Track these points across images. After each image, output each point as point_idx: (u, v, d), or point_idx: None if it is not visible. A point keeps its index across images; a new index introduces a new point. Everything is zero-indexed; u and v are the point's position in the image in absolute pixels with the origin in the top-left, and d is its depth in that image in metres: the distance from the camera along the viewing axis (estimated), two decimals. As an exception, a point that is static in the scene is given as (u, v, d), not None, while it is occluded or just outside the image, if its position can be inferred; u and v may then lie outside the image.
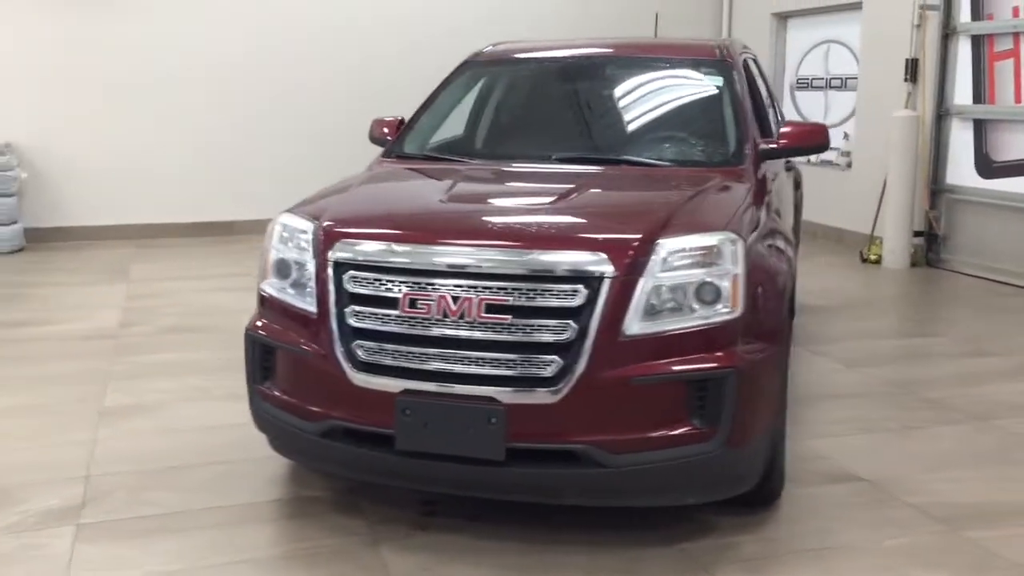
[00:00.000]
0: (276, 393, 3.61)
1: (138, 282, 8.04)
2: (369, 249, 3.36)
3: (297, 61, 10.35)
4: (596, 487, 3.28)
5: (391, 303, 3.29)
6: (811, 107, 10.68)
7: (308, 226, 3.57)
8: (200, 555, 3.44)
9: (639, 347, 3.19)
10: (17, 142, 9.59)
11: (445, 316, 3.21)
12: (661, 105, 4.75)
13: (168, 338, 6.34)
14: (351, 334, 3.34)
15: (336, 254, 3.40)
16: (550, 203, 3.65)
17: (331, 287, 3.39)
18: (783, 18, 10.96)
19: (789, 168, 5.23)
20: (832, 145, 10.14)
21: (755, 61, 6.00)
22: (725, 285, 3.26)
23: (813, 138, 4.39)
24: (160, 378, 5.45)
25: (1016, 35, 8.00)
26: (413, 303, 3.25)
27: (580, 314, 3.16)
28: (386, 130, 4.91)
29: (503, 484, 3.30)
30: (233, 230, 10.26)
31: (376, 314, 3.31)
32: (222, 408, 4.84)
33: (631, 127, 4.69)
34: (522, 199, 3.91)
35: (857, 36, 9.75)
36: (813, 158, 10.45)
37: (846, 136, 10.10)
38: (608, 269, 3.17)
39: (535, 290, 3.17)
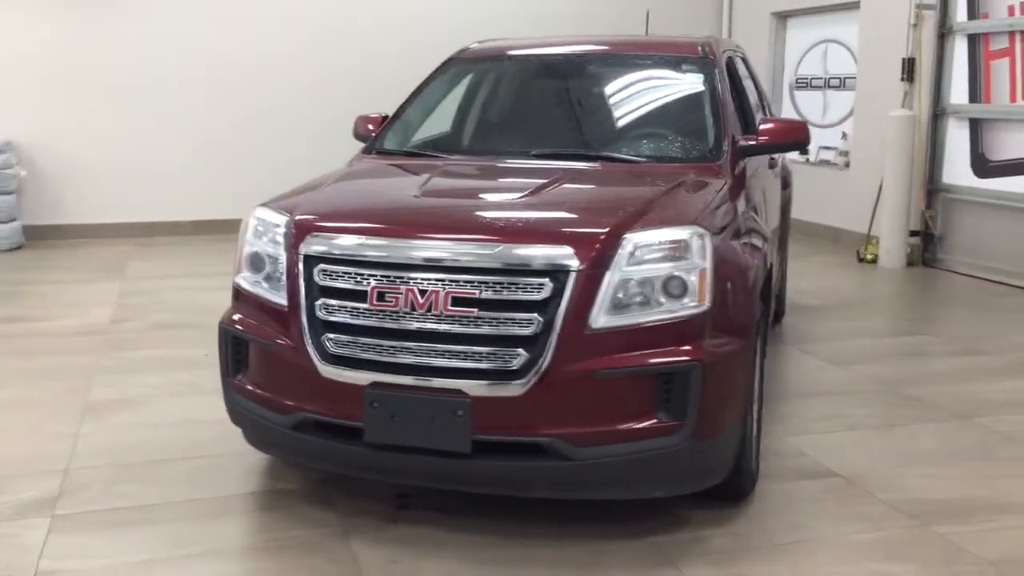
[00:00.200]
0: (249, 386, 3.63)
1: (133, 280, 8.09)
2: (338, 243, 3.39)
3: (297, 61, 10.39)
4: (563, 480, 3.29)
5: (360, 296, 3.31)
6: (810, 106, 10.66)
7: (281, 220, 3.59)
8: (169, 546, 3.47)
9: (605, 340, 3.20)
10: (17, 140, 9.65)
11: (412, 309, 3.23)
12: (641, 102, 4.76)
13: (158, 334, 6.38)
14: (321, 327, 3.37)
15: (306, 247, 3.43)
16: (521, 198, 3.66)
17: (301, 280, 3.41)
18: (783, 17, 10.95)
19: (773, 165, 5.21)
20: (830, 145, 10.18)
21: (744, 59, 6.00)
22: (692, 279, 3.27)
23: (793, 135, 4.39)
24: (147, 373, 5.48)
25: (1012, 34, 7.97)
26: (381, 296, 3.27)
27: (546, 307, 3.17)
28: (371, 127, 4.93)
29: (470, 476, 3.31)
30: (232, 229, 10.17)
31: (345, 307, 3.33)
32: (206, 403, 4.86)
33: (611, 124, 4.71)
34: (494, 194, 3.93)
35: (855, 36, 9.73)
36: (811, 157, 10.47)
37: (844, 136, 10.08)
38: (574, 263, 3.18)
39: (501, 283, 3.19)
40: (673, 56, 4.80)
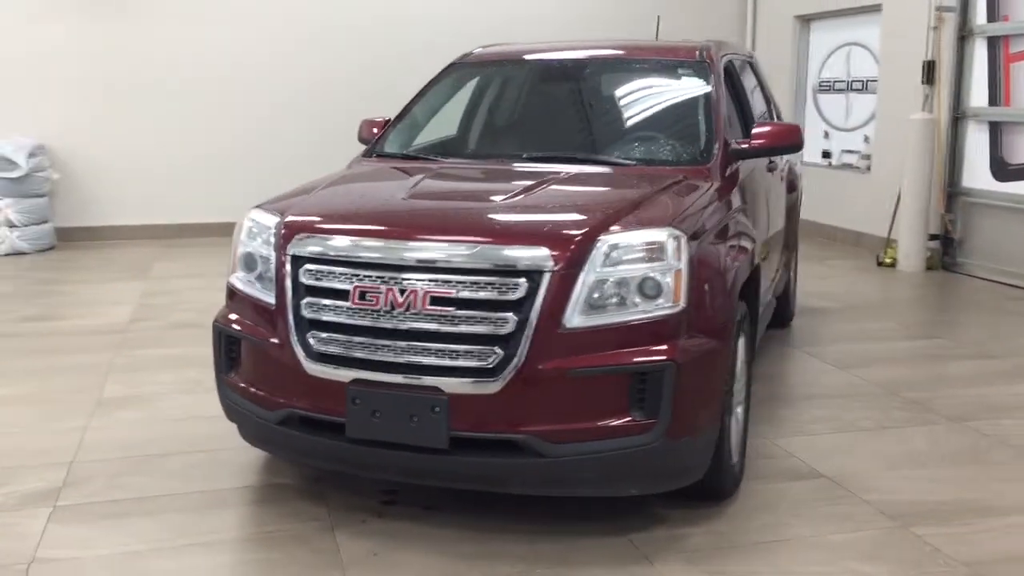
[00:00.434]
0: (241, 383, 3.74)
1: (156, 280, 8.28)
2: (322, 243, 3.49)
3: (323, 62, 10.55)
4: (538, 476, 3.36)
5: (343, 295, 3.41)
6: (833, 110, 10.64)
7: (272, 221, 3.70)
8: (164, 537, 3.59)
9: (579, 340, 3.27)
10: (50, 144, 9.91)
11: (392, 308, 3.32)
12: (636, 106, 4.82)
13: (175, 333, 6.53)
14: (306, 325, 3.47)
15: (293, 248, 3.53)
16: (504, 200, 3.74)
17: (289, 280, 3.52)
18: (806, 21, 10.92)
19: (772, 168, 5.24)
20: (853, 148, 10.15)
21: (751, 65, 6.04)
22: (667, 280, 3.32)
23: (785, 138, 4.42)
24: (160, 371, 5.63)
25: (1032, 36, 7.92)
26: (363, 295, 3.37)
27: (521, 307, 3.25)
28: (375, 130, 5.04)
29: (448, 472, 3.40)
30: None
31: (329, 306, 3.43)
32: (212, 400, 4.87)
33: (605, 127, 4.78)
34: (479, 196, 4.01)
35: (877, 39, 9.69)
36: (834, 160, 10.45)
37: (867, 139, 10.04)
38: (548, 263, 3.25)
39: (477, 283, 3.27)
40: (670, 61, 4.86)
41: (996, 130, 8.34)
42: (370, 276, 3.37)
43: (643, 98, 4.86)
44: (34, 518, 3.71)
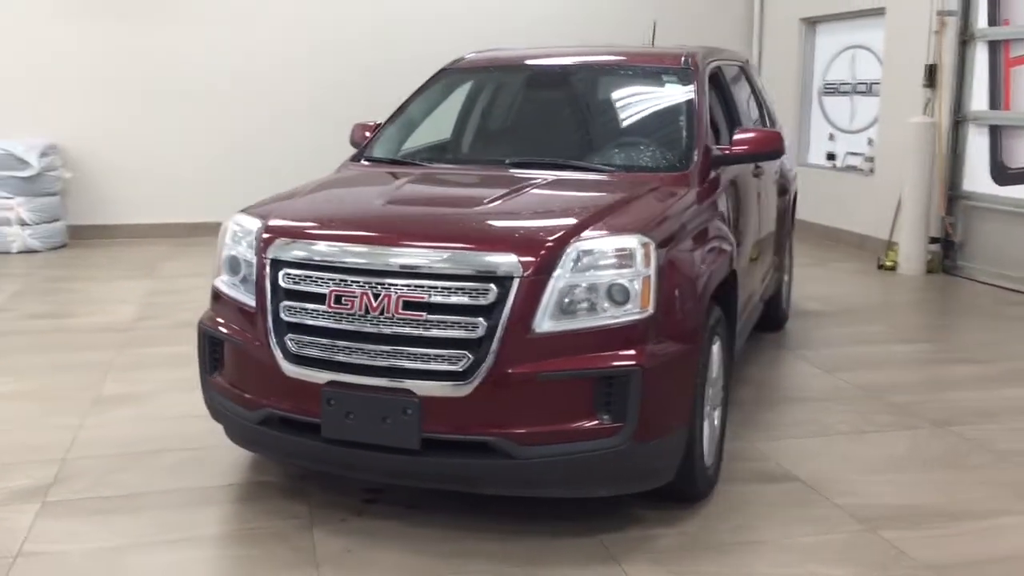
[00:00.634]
0: (224, 384, 3.84)
1: (164, 279, 8.41)
2: (300, 248, 3.58)
3: (334, 64, 10.63)
4: (508, 477, 3.44)
5: (319, 299, 3.50)
6: (838, 112, 10.65)
7: (255, 225, 3.80)
8: (147, 532, 3.69)
9: (548, 344, 3.34)
10: (63, 143, 10.08)
11: (367, 312, 3.41)
12: (618, 112, 4.89)
13: (178, 332, 6.64)
14: (285, 328, 3.57)
15: (272, 252, 3.63)
16: (480, 206, 3.82)
17: (268, 283, 3.61)
18: (812, 23, 10.94)
19: (759, 174, 5.29)
20: (856, 151, 10.17)
21: (744, 70, 6.08)
22: (636, 286, 3.39)
23: (766, 144, 4.47)
24: (159, 369, 5.74)
25: (1033, 41, 7.93)
26: (338, 299, 3.45)
27: (491, 312, 3.32)
28: (367, 134, 5.13)
29: (420, 473, 3.48)
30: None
31: (306, 309, 3.52)
32: None
33: (587, 134, 4.86)
34: (456, 202, 4.08)
35: (881, 41, 9.70)
36: (838, 163, 10.46)
37: (870, 142, 10.05)
38: (517, 269, 3.33)
39: (448, 288, 3.35)
40: (655, 67, 4.92)
41: (996, 134, 8.34)
42: (345, 280, 3.46)
43: (626, 104, 4.93)
44: (22, 513, 3.82)
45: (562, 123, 4.93)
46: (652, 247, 3.44)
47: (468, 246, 3.41)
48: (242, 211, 3.99)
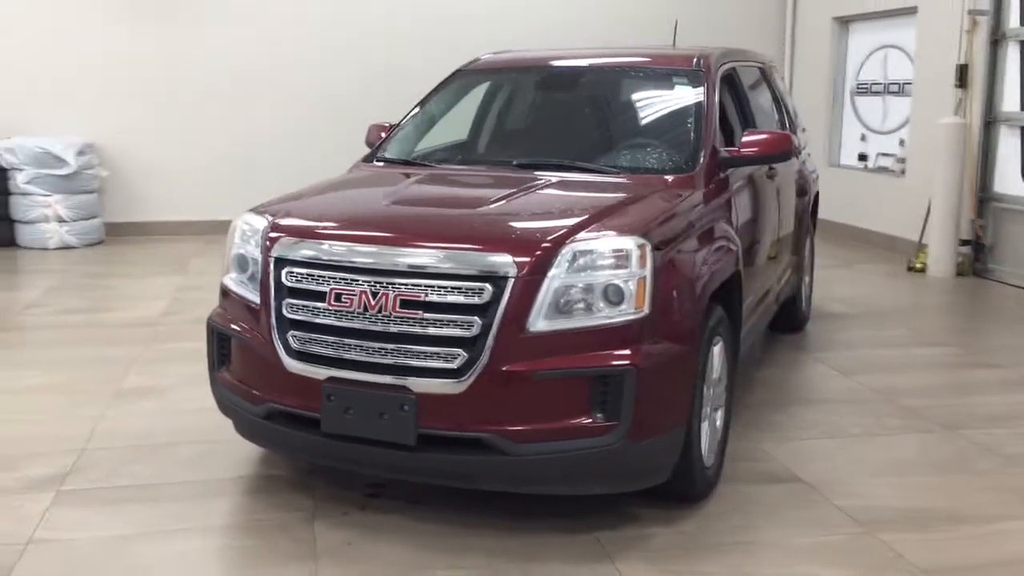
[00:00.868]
0: (231, 379, 3.93)
1: (194, 275, 8.56)
2: (302, 247, 3.66)
3: (363, 65, 10.75)
4: (502, 474, 3.49)
5: (320, 297, 3.57)
6: (870, 112, 10.55)
7: (262, 224, 3.88)
8: (156, 522, 3.80)
9: (543, 343, 3.38)
10: (99, 142, 10.29)
11: (365, 310, 3.47)
12: (628, 113, 4.92)
13: (201, 328, 6.54)
14: (287, 325, 3.64)
15: (277, 250, 3.71)
16: (481, 207, 3.88)
17: (272, 281, 3.69)
18: (844, 23, 10.85)
19: (772, 175, 5.28)
20: (888, 151, 10.07)
21: (764, 71, 6.07)
22: (631, 287, 3.42)
23: (775, 146, 4.48)
24: (180, 364, 5.85)
25: (1066, 41, 7.81)
26: (338, 297, 3.52)
27: (486, 311, 3.37)
28: (383, 135, 5.21)
29: (416, 468, 3.54)
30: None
31: (307, 307, 3.60)
32: None
33: (595, 135, 4.89)
34: (458, 203, 4.14)
35: (913, 41, 9.60)
36: (870, 164, 10.37)
37: (902, 143, 9.95)
38: (512, 269, 3.37)
39: (445, 288, 3.40)
40: (666, 69, 4.94)
41: (1028, 135, 8.24)
42: (345, 279, 3.53)
43: (635, 106, 4.95)
44: (37, 502, 3.94)
45: (571, 125, 4.96)
46: (648, 248, 3.46)
47: (465, 246, 3.46)
48: (251, 210, 4.08)
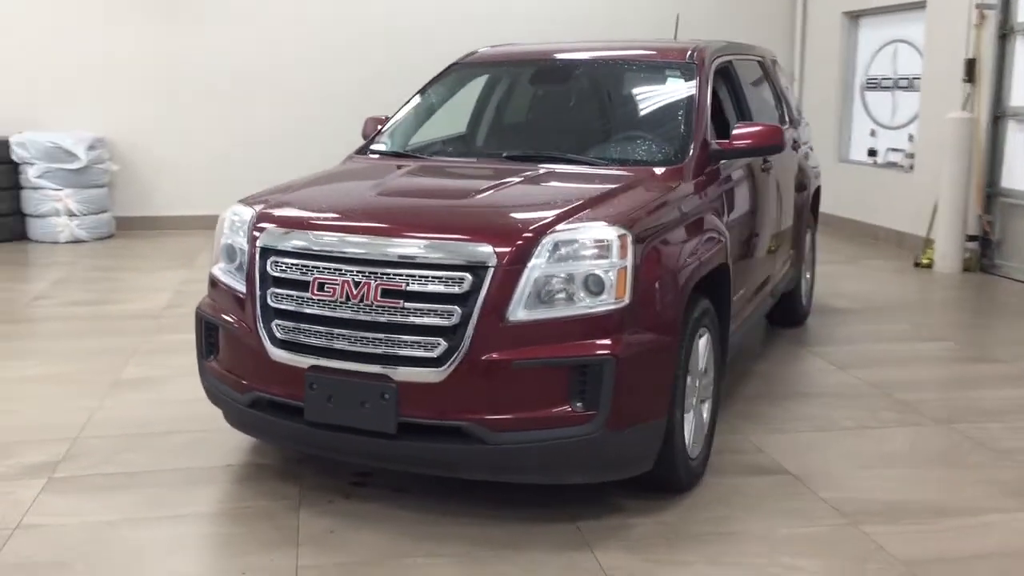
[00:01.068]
0: (218, 368, 3.97)
1: (200, 268, 8.59)
2: (286, 237, 3.69)
3: (370, 61, 10.80)
4: (482, 462, 3.50)
5: (303, 286, 3.60)
6: (880, 107, 10.49)
7: (249, 214, 3.91)
8: (144, 508, 3.84)
9: (523, 332, 3.40)
10: (110, 137, 10.39)
11: (347, 299, 3.50)
12: (619, 106, 4.92)
13: (204, 320, 6.81)
14: (272, 314, 3.67)
15: (262, 240, 3.74)
16: (466, 198, 3.89)
17: (257, 271, 3.72)
18: (854, 17, 10.79)
19: (767, 168, 5.27)
20: (898, 146, 10.01)
21: (763, 64, 6.05)
22: (611, 277, 3.43)
23: (766, 139, 4.46)
24: (178, 355, 5.87)
25: (1075, 35, 7.74)
26: (321, 287, 3.55)
27: (466, 300, 3.39)
28: (380, 127, 5.23)
29: (396, 456, 3.57)
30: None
31: (291, 296, 3.62)
32: None
33: (586, 127, 4.89)
34: (443, 194, 4.16)
35: (922, 35, 9.54)
36: (879, 159, 10.32)
37: (911, 138, 9.89)
38: (492, 259, 3.38)
39: (425, 277, 3.42)
40: (659, 62, 4.94)
41: (1036, 130, 8.17)
42: (328, 268, 3.55)
43: (628, 99, 4.95)
44: (28, 488, 3.99)
45: (564, 117, 4.97)
46: (629, 238, 3.47)
47: (445, 236, 3.48)
48: (240, 201, 4.11)
